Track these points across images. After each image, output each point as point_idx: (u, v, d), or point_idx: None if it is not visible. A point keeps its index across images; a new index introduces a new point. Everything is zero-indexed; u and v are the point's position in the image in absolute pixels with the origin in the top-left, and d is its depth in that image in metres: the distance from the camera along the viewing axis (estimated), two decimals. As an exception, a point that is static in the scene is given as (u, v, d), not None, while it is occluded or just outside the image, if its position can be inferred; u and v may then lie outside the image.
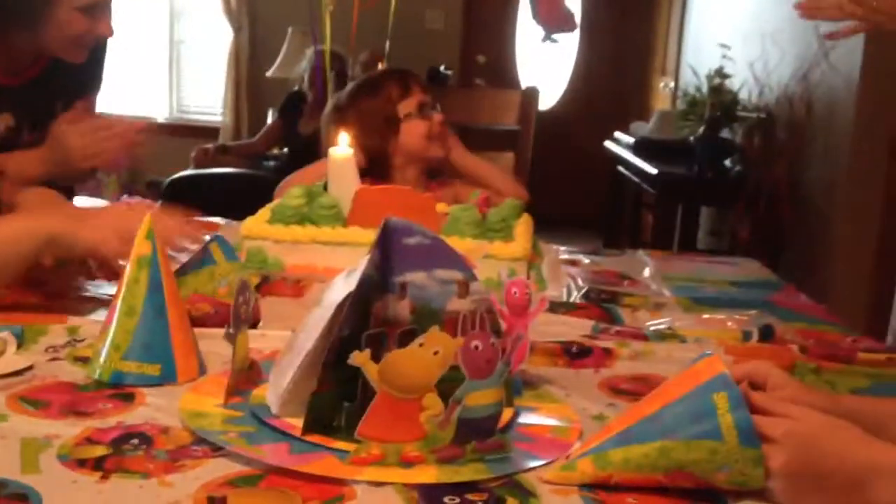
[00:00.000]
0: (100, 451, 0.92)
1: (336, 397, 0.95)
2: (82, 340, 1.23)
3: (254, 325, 1.28)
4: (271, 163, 4.80)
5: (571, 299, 1.60)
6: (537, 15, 2.59)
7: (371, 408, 0.90)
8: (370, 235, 1.00)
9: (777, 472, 0.84)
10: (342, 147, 1.75)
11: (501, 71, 6.32)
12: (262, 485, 0.87)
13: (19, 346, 1.18)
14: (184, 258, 1.38)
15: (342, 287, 0.98)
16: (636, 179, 4.48)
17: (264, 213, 1.68)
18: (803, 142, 3.57)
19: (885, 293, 3.05)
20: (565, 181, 5.87)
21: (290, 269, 1.59)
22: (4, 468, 0.87)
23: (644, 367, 1.26)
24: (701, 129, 3.90)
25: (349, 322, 0.93)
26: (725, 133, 3.98)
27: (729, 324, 1.48)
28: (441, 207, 1.69)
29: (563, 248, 1.98)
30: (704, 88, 3.92)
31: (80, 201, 2.05)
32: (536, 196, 2.20)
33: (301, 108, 4.56)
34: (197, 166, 4.58)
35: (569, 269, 1.82)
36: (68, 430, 0.96)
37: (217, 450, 0.93)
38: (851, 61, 3.18)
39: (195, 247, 1.37)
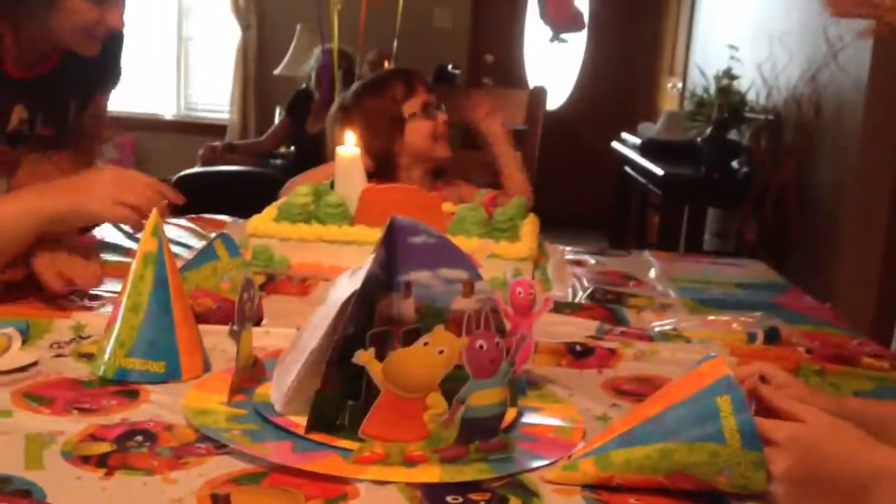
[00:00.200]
0: (104, 447, 0.92)
1: (340, 396, 0.95)
2: (87, 337, 1.23)
3: (257, 323, 1.28)
4: (278, 161, 4.80)
5: (576, 300, 1.60)
6: (545, 15, 2.59)
7: (375, 407, 0.90)
8: (376, 234, 1.00)
9: (779, 476, 0.84)
10: (349, 146, 1.75)
11: (509, 70, 6.31)
12: (265, 482, 0.87)
13: (24, 341, 1.18)
14: (188, 255, 1.39)
15: (347, 285, 0.98)
16: (643, 180, 4.47)
17: (271, 211, 1.68)
18: (811, 143, 3.55)
19: (891, 296, 3.06)
20: (572, 181, 5.87)
21: (296, 267, 1.59)
22: (8, 464, 0.87)
23: (648, 368, 1.26)
24: (708, 131, 3.89)
25: (354, 320, 0.93)
26: (733, 134, 3.97)
27: (734, 325, 1.47)
28: (447, 207, 1.69)
29: (568, 249, 1.98)
30: (712, 89, 3.91)
31: None
32: (543, 196, 2.20)
33: (308, 107, 4.55)
34: (204, 164, 4.58)
35: (574, 269, 1.81)
36: (72, 426, 0.96)
37: (221, 447, 0.93)
38: (860, 63, 3.17)
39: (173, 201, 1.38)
